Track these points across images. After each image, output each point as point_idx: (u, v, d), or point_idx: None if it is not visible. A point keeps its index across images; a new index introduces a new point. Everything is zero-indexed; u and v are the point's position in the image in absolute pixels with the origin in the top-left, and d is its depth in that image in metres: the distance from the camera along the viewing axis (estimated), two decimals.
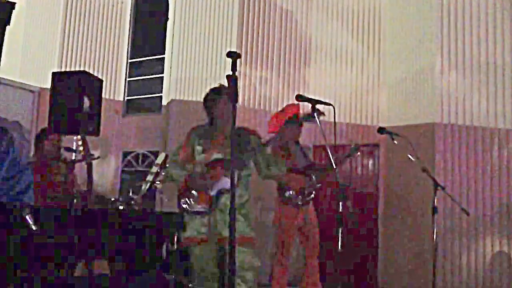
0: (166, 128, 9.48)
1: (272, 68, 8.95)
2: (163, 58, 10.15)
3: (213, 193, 3.73)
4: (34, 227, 0.96)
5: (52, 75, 4.68)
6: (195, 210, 3.75)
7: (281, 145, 5.12)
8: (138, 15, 10.80)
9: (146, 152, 9.84)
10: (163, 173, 5.65)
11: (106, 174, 9.70)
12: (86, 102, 4.27)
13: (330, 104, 3.70)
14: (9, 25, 1.24)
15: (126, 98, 10.48)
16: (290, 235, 5.28)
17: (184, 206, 3.78)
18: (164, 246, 3.98)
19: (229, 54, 2.77)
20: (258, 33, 8.98)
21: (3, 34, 1.23)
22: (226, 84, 3.57)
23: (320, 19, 9.04)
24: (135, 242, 3.76)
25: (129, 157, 9.94)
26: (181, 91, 9.34)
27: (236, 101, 2.90)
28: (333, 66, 8.87)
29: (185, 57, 9.42)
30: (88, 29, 10.77)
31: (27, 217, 0.95)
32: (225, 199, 3.67)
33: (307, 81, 8.93)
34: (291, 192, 5.27)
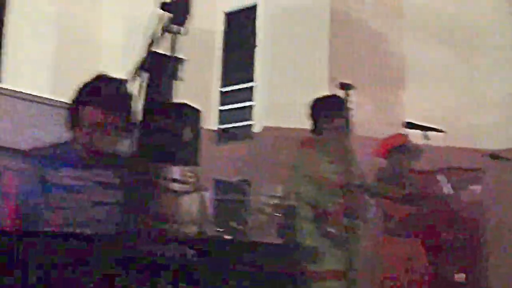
0: (258, 156, 9.37)
1: (364, 91, 8.64)
2: (253, 86, 10.11)
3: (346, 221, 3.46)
4: (192, 257, 0.88)
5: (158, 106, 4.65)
6: (340, 238, 3.48)
7: (390, 174, 4.85)
8: (227, 43, 10.87)
9: (238, 181, 9.75)
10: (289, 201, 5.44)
11: (200, 204, 9.68)
12: (187, 132, 4.20)
13: (441, 131, 3.42)
14: (176, 80, 1.18)
15: (218, 127, 10.51)
16: (394, 268, 4.95)
17: (331, 231, 3.50)
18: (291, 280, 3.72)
19: (342, 86, 2.72)
20: (349, 56, 8.73)
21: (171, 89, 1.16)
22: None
23: (414, 38, 8.67)
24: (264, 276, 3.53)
25: (221, 186, 9.88)
26: (272, 118, 9.22)
27: (351, 131, 2.82)
28: (430, 87, 8.45)
29: (275, 84, 9.33)
30: None
31: (185, 248, 0.86)
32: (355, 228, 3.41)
33: (403, 104, 8.55)
34: (395, 222, 4.97)
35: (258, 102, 9.90)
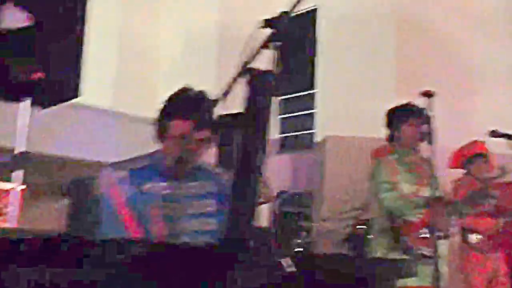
0: (321, 166, 9.05)
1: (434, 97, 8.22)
2: (314, 93, 9.83)
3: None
4: (290, 269, 0.91)
5: (218, 117, 4.51)
6: (423, 253, 3.22)
7: (469, 186, 4.51)
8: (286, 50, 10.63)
9: (300, 192, 9.47)
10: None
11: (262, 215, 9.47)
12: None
13: None
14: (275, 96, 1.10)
15: (278, 135, 10.27)
16: (476, 286, 4.61)
17: (408, 243, 3.24)
18: None
19: (425, 93, 2.56)
20: (416, 60, 8.33)
21: (269, 104, 1.10)
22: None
23: (487, 39, 8.18)
24: None
25: (283, 197, 9.63)
26: (335, 127, 8.90)
27: (433, 142, 2.64)
28: (506, 92, 7.94)
29: (337, 91, 9.02)
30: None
31: (282, 260, 0.91)
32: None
33: (475, 111, 8.07)
34: (477, 237, 4.64)
35: (319, 110, 9.61)
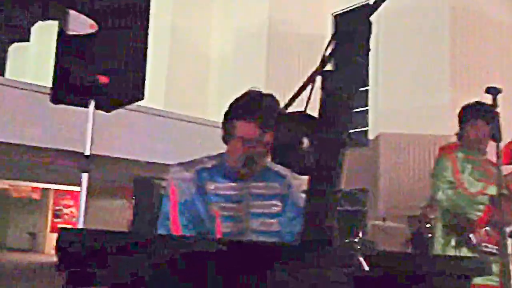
0: (375, 164, 8.93)
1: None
2: (367, 90, 9.71)
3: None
4: (366, 268, 0.92)
5: (277, 117, 4.53)
6: (488, 250, 3.13)
7: None
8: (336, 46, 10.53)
9: (355, 190, 9.37)
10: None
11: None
12: (305, 141, 4.01)
13: None
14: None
15: None
16: None
17: (473, 241, 3.16)
18: None
19: (489, 90, 2.44)
20: (472, 53, 8.10)
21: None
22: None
23: None
24: None
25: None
26: (390, 124, 8.76)
27: (500, 139, 2.53)
28: None
29: (392, 87, 8.86)
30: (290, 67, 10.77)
31: (360, 258, 0.92)
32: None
33: None
34: None
35: (373, 107, 9.48)
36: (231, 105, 2.00)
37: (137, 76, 2.74)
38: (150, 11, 2.85)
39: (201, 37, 12.08)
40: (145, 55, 2.83)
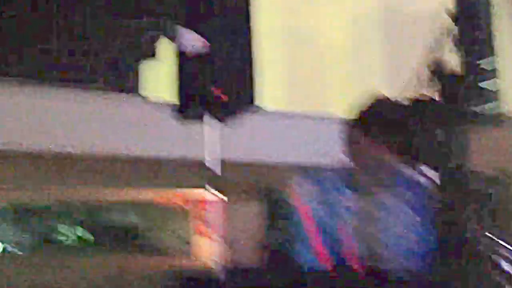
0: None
1: None
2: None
3: None
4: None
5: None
6: None
7: None
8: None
9: (492, 172, 8.83)
10: None
11: None
12: (439, 133, 3.87)
13: None
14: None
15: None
16: None
17: None
18: None
19: None
20: None
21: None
22: None
23: None
24: None
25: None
26: None
27: None
28: None
29: None
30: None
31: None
32: None
33: None
34: None
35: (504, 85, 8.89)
36: (357, 113, 1.83)
37: (247, 89, 2.80)
38: (258, 19, 2.92)
39: (315, 30, 12.07)
40: (253, 69, 2.89)
